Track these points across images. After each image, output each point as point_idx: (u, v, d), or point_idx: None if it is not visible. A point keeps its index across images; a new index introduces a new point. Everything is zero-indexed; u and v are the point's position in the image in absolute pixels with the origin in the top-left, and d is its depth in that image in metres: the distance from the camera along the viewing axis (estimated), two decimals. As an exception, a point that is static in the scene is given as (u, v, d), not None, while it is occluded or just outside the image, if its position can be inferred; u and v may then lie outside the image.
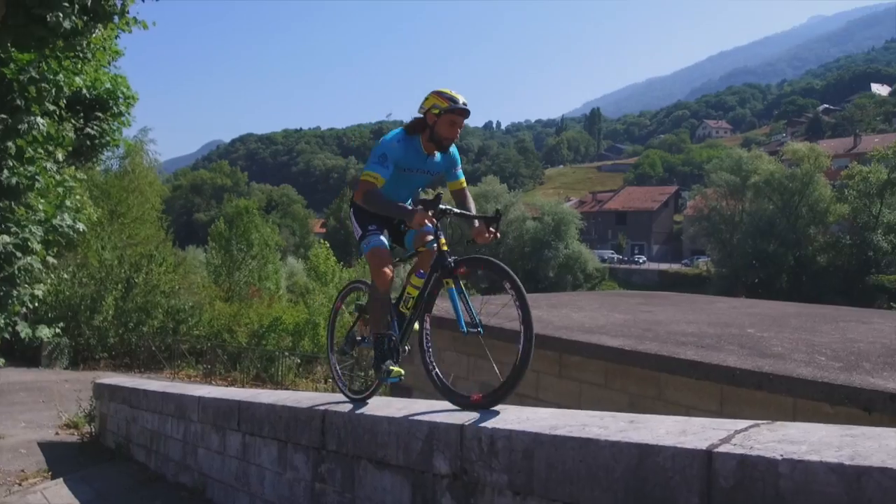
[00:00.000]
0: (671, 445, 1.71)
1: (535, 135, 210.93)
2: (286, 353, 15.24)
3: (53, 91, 8.15)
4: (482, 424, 2.45)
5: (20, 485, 6.06)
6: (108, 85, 12.33)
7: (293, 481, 3.74)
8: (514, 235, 70.98)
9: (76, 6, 6.50)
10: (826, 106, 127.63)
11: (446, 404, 2.97)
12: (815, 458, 1.43)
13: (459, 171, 3.38)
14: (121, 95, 12.89)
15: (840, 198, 47.00)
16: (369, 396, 3.45)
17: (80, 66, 11.27)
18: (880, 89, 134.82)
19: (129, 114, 13.55)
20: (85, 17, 6.62)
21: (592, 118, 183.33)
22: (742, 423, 1.80)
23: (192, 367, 15.59)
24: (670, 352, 3.48)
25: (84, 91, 11.87)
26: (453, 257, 2.92)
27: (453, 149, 3.26)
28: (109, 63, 13.62)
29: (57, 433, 8.88)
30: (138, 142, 24.14)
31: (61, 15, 6.35)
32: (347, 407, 3.42)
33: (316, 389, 12.83)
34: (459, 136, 3.13)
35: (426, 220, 2.87)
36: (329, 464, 3.41)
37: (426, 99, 3.12)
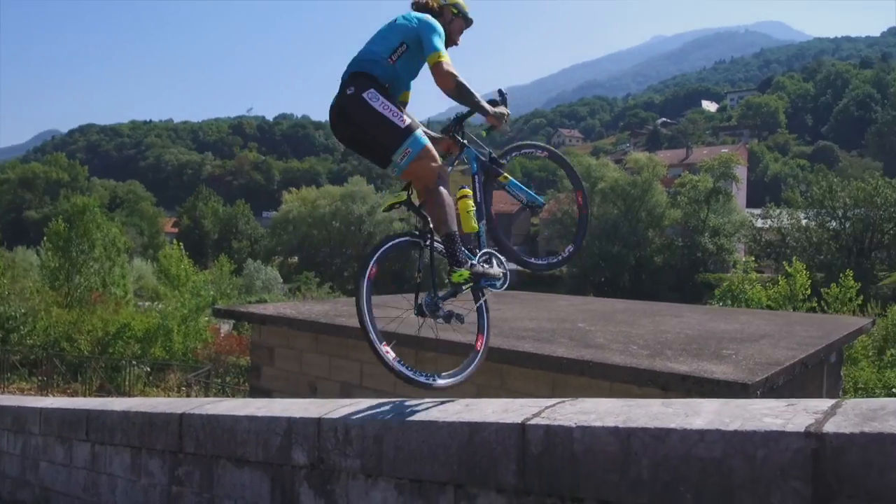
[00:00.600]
0: (494, 422, 2.03)
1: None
2: (134, 362, 14.34)
3: None
4: (337, 416, 2.65)
5: None
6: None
7: (148, 487, 3.71)
8: (381, 237, 71.29)
9: None
10: (664, 119, 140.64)
11: (305, 401, 3.15)
12: (599, 423, 1.80)
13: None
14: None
15: (674, 204, 52.22)
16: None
17: None
18: (710, 106, 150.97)
19: None
20: None
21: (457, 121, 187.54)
22: (552, 401, 2.16)
23: (24, 379, 14.21)
24: (511, 345, 3.89)
25: None
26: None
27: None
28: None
29: None
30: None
31: None
32: (207, 409, 3.47)
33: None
34: None
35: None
36: (187, 466, 3.44)
37: None
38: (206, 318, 16.83)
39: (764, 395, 3.08)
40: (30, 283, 18.21)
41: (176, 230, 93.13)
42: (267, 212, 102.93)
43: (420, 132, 2.67)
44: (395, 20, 2.75)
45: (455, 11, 2.85)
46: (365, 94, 2.56)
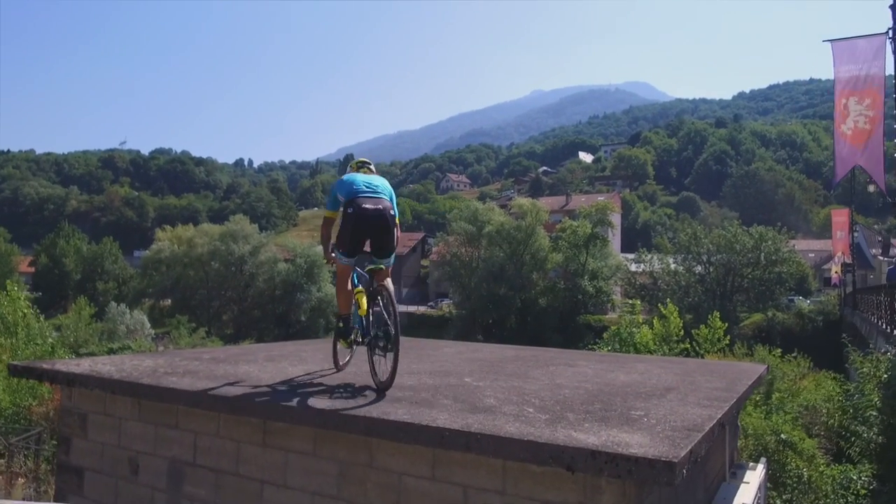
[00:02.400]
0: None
1: (290, 176, 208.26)
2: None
3: None
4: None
5: None
6: None
7: None
8: (264, 278, 68.01)
9: None
10: (545, 168, 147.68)
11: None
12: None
13: None
14: None
15: (556, 248, 53.97)
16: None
17: None
18: (586, 157, 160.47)
19: None
20: None
21: (346, 163, 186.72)
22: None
23: None
24: (382, 412, 3.10)
25: None
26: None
27: None
28: None
29: None
30: None
31: None
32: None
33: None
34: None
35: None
36: None
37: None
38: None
39: (688, 471, 2.50)
40: None
41: (32, 269, 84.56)
42: (138, 251, 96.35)
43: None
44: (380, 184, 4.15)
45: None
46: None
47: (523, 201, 61.34)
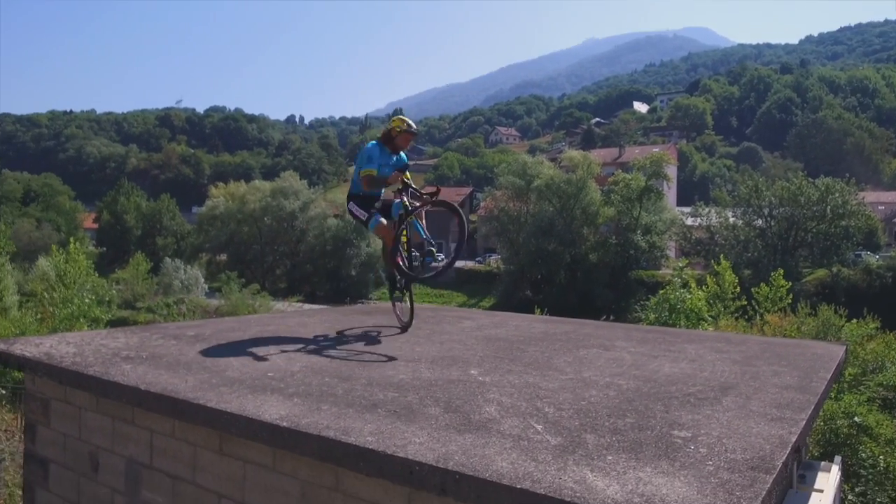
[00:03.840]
0: None
1: (340, 132, 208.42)
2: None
3: None
4: None
5: None
6: None
7: None
8: (314, 234, 68.50)
9: None
10: (598, 119, 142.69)
11: None
12: None
13: (405, 164, 4.98)
14: None
15: (607, 202, 52.09)
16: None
17: None
18: (640, 107, 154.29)
19: None
20: None
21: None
22: None
23: None
24: (343, 429, 2.42)
25: None
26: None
27: (403, 153, 5.00)
28: None
29: None
30: None
31: None
32: None
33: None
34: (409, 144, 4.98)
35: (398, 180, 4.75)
36: None
37: (392, 120, 4.98)
38: (88, 327, 14.59)
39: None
40: None
41: (95, 226, 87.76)
42: (196, 207, 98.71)
43: (375, 218, 4.80)
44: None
45: (399, 130, 4.87)
46: (348, 205, 5.04)
47: (574, 154, 59.29)
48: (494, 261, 60.96)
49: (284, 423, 2.48)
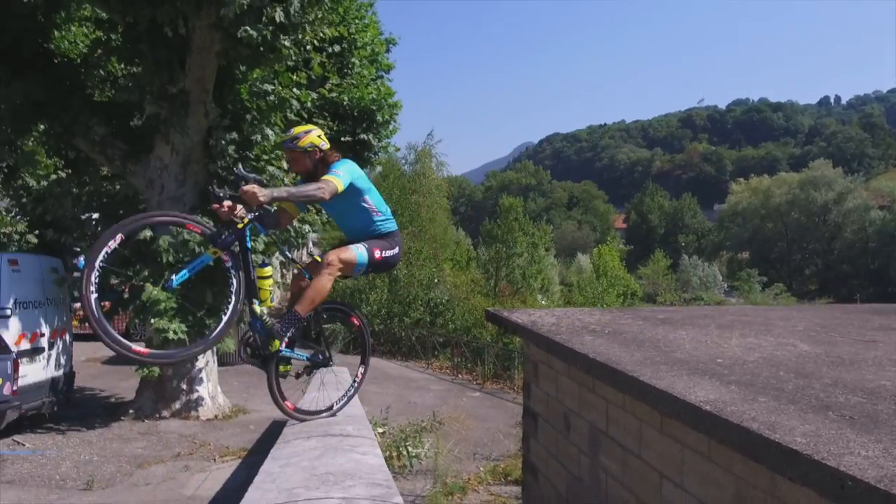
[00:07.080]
0: None
1: (888, 108, 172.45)
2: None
3: (277, 102, 8.93)
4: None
5: (215, 460, 6.70)
6: (373, 95, 13.36)
7: None
8: (852, 229, 59.60)
9: (264, 18, 7.00)
10: None
11: None
12: None
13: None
14: (385, 104, 13.88)
15: None
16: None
17: (347, 82, 12.51)
18: None
19: (394, 121, 14.55)
20: (271, 28, 7.08)
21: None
22: None
23: (448, 358, 16.14)
24: (774, 423, 2.06)
25: (346, 103, 13.05)
26: None
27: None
28: (379, 77, 14.77)
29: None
30: (427, 146, 25.91)
31: (249, 28, 6.88)
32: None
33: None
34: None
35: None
36: None
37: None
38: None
39: None
40: (450, 273, 20.61)
41: (625, 226, 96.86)
42: (717, 204, 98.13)
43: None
44: None
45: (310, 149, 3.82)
46: None
47: None
48: None
49: (707, 407, 2.28)
